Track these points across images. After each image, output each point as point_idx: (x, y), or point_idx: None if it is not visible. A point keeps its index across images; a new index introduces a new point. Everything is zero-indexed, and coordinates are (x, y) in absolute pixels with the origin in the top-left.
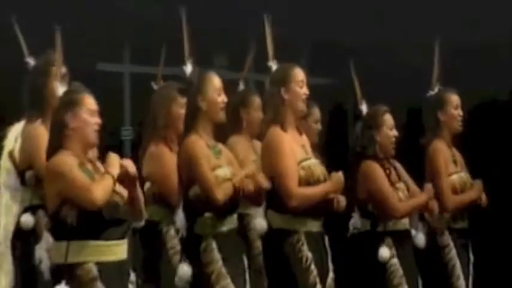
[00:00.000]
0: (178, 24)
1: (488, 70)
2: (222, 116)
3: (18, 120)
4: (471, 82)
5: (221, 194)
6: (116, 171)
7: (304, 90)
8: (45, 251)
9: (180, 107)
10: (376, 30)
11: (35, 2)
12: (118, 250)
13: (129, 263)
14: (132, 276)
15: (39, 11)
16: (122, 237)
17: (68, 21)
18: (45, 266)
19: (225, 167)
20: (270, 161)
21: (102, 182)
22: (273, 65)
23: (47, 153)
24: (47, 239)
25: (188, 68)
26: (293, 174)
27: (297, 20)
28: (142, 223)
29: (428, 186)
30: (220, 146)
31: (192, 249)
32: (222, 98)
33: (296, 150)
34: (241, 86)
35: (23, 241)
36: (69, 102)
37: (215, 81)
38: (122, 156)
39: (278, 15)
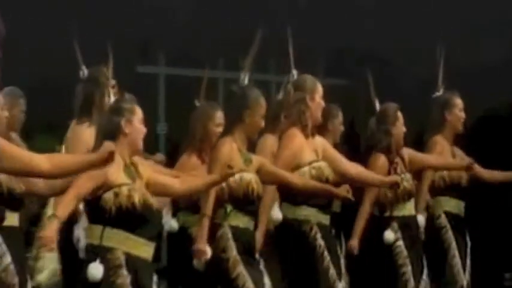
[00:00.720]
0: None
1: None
2: (256, 135)
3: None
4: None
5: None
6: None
7: (322, 103)
8: (82, 231)
9: (215, 126)
10: (385, 37)
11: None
12: (146, 249)
13: (154, 265)
14: (155, 278)
15: (88, 21)
16: (151, 239)
17: (113, 28)
18: (82, 245)
19: (252, 174)
20: (280, 156)
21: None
22: (295, 74)
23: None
24: (84, 221)
25: (245, 79)
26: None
27: (314, 29)
28: (176, 227)
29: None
30: (253, 156)
31: (210, 236)
32: (262, 121)
33: (307, 153)
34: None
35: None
36: (125, 110)
37: (263, 103)
38: (157, 148)
39: (297, 26)
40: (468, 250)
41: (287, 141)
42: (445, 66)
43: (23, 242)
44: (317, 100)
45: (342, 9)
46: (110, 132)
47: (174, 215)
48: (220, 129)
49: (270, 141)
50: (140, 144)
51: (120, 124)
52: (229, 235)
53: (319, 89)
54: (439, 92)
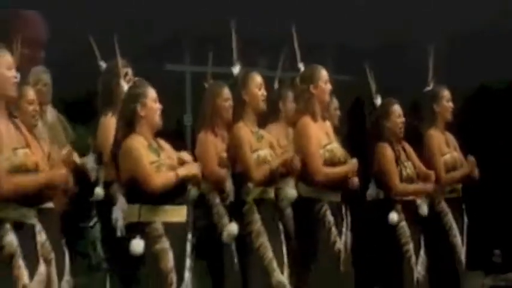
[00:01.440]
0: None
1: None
2: (263, 106)
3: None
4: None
5: (257, 173)
6: (184, 172)
7: (328, 86)
8: (120, 212)
9: (223, 101)
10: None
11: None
12: (179, 214)
13: (187, 224)
14: (189, 236)
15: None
16: (181, 203)
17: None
18: (120, 224)
19: (266, 149)
20: (300, 144)
21: (166, 176)
22: (302, 67)
23: (119, 138)
24: (121, 202)
25: (236, 69)
26: (318, 156)
27: (320, 26)
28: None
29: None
30: (262, 131)
31: (237, 211)
32: (262, 92)
33: (321, 136)
34: (276, 83)
35: (100, 209)
36: (138, 95)
37: (256, 78)
38: (184, 137)
39: (304, 24)
40: (465, 227)
41: (302, 130)
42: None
43: (59, 222)
44: (321, 86)
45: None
46: (129, 118)
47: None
48: (228, 103)
49: (274, 131)
50: (157, 120)
51: (136, 110)
52: (254, 209)
53: (323, 74)
54: (429, 87)
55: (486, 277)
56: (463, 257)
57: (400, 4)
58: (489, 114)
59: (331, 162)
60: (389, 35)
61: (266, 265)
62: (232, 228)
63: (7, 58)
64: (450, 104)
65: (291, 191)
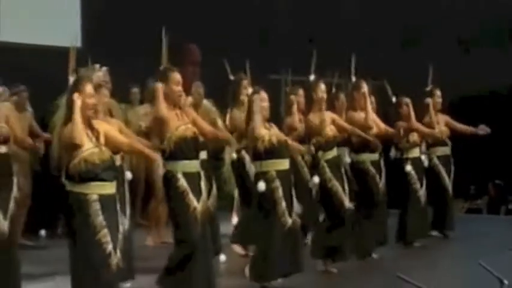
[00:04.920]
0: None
1: None
2: (324, 104)
3: None
4: None
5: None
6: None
7: (323, 96)
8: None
9: (299, 96)
10: None
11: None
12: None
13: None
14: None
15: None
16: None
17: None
18: (251, 173)
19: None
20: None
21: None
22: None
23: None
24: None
25: (311, 77)
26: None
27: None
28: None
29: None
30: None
31: (316, 167)
32: (324, 95)
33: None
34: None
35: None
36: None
37: (321, 86)
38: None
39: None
40: (451, 172)
41: (355, 117)
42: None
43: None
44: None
45: None
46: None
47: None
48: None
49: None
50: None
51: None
52: (325, 165)
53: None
54: (428, 88)
55: (465, 202)
56: (450, 189)
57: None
58: None
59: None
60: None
61: (338, 196)
62: (315, 180)
63: (177, 76)
64: (440, 100)
65: (347, 156)
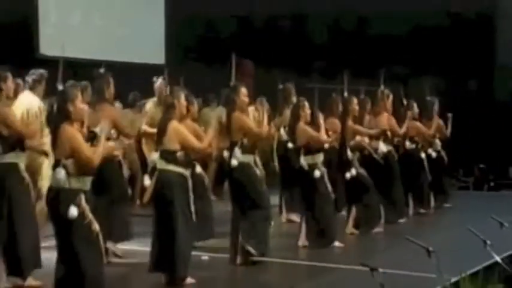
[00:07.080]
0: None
1: None
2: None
3: None
4: None
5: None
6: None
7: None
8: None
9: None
10: None
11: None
12: (319, 157)
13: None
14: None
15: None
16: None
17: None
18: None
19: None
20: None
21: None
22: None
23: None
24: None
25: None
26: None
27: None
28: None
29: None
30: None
31: (344, 161)
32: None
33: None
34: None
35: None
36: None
37: (354, 100)
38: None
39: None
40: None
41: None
42: None
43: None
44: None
45: None
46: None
47: None
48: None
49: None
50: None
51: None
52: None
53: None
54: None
55: (456, 181)
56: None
57: None
58: None
59: None
60: None
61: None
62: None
63: (244, 90)
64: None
65: (381, 146)
